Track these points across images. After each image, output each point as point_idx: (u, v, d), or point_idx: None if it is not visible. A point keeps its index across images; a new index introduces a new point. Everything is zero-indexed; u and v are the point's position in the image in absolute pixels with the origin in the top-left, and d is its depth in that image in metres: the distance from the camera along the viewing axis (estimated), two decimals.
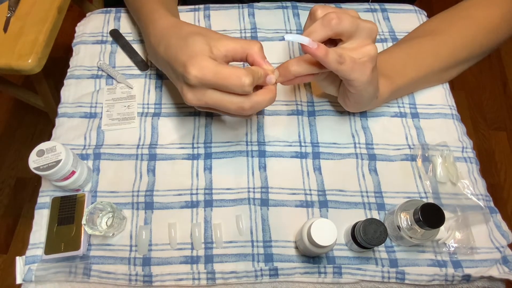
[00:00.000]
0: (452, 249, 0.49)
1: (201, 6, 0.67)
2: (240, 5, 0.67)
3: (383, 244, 0.48)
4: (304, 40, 0.39)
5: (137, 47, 0.63)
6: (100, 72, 0.61)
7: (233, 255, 0.48)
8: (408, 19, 0.66)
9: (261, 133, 0.56)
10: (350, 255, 0.49)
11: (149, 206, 0.51)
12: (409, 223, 0.45)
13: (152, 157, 0.54)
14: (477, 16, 0.55)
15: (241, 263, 0.48)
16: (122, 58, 0.62)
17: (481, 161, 0.55)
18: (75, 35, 0.65)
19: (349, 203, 0.51)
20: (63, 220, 0.49)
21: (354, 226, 0.46)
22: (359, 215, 0.51)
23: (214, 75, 0.39)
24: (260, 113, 0.57)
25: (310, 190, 0.52)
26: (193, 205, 0.51)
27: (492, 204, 0.52)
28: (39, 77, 0.98)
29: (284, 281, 0.47)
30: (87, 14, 0.67)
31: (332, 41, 0.45)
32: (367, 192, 0.52)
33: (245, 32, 0.64)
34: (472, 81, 1.56)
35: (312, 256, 0.48)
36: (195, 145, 0.55)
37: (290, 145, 0.55)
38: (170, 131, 0.56)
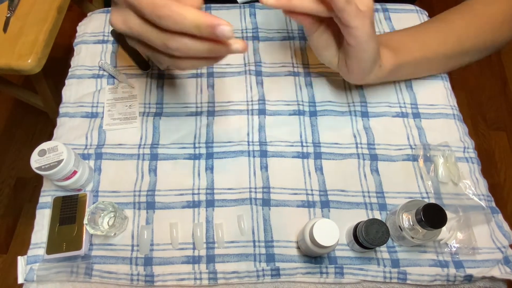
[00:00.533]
0: (453, 249, 0.49)
1: (203, 6, 0.66)
2: (242, 5, 0.67)
3: (385, 245, 0.48)
4: None
5: None
6: (101, 72, 0.61)
7: (234, 255, 0.48)
8: (409, 19, 0.66)
9: (262, 133, 0.56)
10: (352, 255, 0.49)
11: (151, 206, 0.51)
12: (411, 224, 0.45)
13: (154, 157, 0.54)
14: (481, 12, 0.55)
15: (242, 263, 0.48)
16: (123, 58, 0.62)
17: (481, 161, 0.55)
18: (76, 34, 0.65)
19: (351, 203, 0.51)
20: (65, 220, 0.49)
21: (356, 227, 0.46)
22: (361, 215, 0.51)
23: None
24: (262, 113, 0.57)
25: (311, 190, 0.52)
26: (194, 205, 0.51)
27: (493, 204, 0.52)
28: (39, 77, 0.98)
29: (285, 281, 0.47)
30: (88, 14, 0.67)
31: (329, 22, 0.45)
32: (368, 192, 0.52)
33: (246, 32, 0.64)
34: (472, 81, 1.56)
35: (314, 256, 0.48)
36: (197, 145, 0.55)
37: (292, 145, 0.55)
38: (172, 131, 0.56)
